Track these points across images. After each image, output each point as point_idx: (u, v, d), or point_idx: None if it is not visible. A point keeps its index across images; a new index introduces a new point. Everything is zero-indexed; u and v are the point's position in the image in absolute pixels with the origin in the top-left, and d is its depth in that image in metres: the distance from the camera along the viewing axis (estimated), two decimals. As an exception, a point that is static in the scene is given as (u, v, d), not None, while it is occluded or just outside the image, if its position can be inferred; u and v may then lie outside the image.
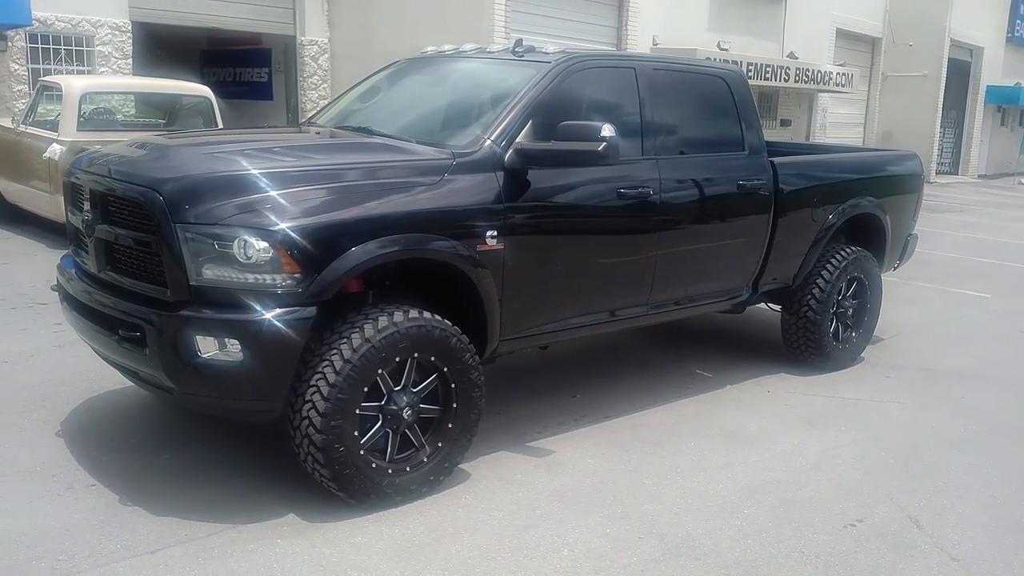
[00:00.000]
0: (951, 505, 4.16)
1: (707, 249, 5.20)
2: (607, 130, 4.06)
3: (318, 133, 4.86)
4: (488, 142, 4.18)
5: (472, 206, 4.04)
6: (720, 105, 5.36)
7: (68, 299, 4.14)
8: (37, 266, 7.98)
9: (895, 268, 7.02)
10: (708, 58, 15.97)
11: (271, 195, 3.57)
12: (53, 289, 4.45)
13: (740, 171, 5.30)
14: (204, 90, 9.89)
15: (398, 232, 3.76)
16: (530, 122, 4.32)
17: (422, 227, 3.86)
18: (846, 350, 6.23)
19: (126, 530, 3.54)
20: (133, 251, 3.72)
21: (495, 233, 4.07)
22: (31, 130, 9.08)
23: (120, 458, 4.18)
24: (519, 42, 4.89)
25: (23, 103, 11.30)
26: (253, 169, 3.70)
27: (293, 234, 3.48)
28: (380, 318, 3.69)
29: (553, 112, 4.40)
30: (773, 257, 5.61)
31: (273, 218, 3.49)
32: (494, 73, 4.87)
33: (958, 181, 27.04)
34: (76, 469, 4.05)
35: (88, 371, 5.09)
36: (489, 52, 5.10)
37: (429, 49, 5.51)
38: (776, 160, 5.58)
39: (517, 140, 4.22)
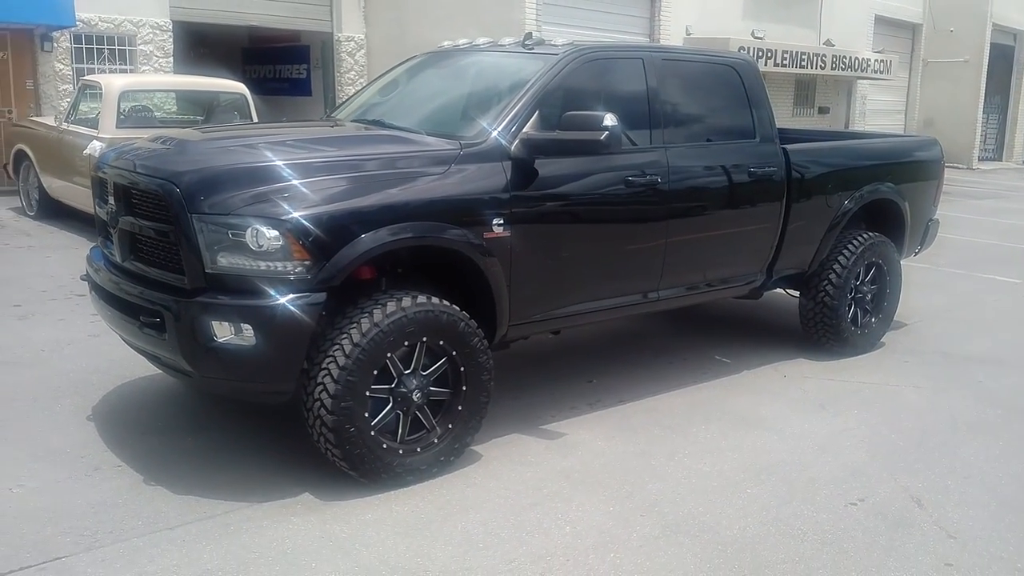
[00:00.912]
0: (955, 485, 4.19)
1: (718, 236, 5.26)
2: (609, 119, 4.15)
3: (333, 126, 5.02)
4: (495, 133, 4.29)
5: (479, 195, 4.15)
6: (730, 94, 5.41)
7: (96, 288, 4.34)
8: (78, 259, 8.20)
9: (916, 254, 7.00)
10: (742, 48, 15.91)
11: (282, 186, 3.72)
12: (82, 279, 4.66)
13: (751, 158, 5.34)
14: (239, 87, 10.13)
15: (406, 220, 3.89)
16: (537, 113, 4.42)
17: (430, 215, 3.98)
18: (865, 335, 6.24)
19: (148, 508, 3.72)
20: (154, 241, 3.90)
21: (502, 221, 4.18)
22: (72, 128, 9.40)
23: (145, 441, 4.38)
24: (529, 35, 5.01)
25: (67, 102, 11.67)
26: (266, 161, 3.86)
27: (303, 223, 3.63)
28: (388, 303, 3.83)
29: (561, 103, 4.50)
30: (787, 243, 5.65)
31: (284, 207, 3.64)
32: (504, 66, 4.98)
33: (1002, 167, 26.55)
34: (104, 451, 4.25)
35: (120, 359, 5.31)
36: (501, 45, 5.21)
37: (445, 43, 5.64)
38: (788, 147, 5.61)
39: (524, 130, 4.32)
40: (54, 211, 10.09)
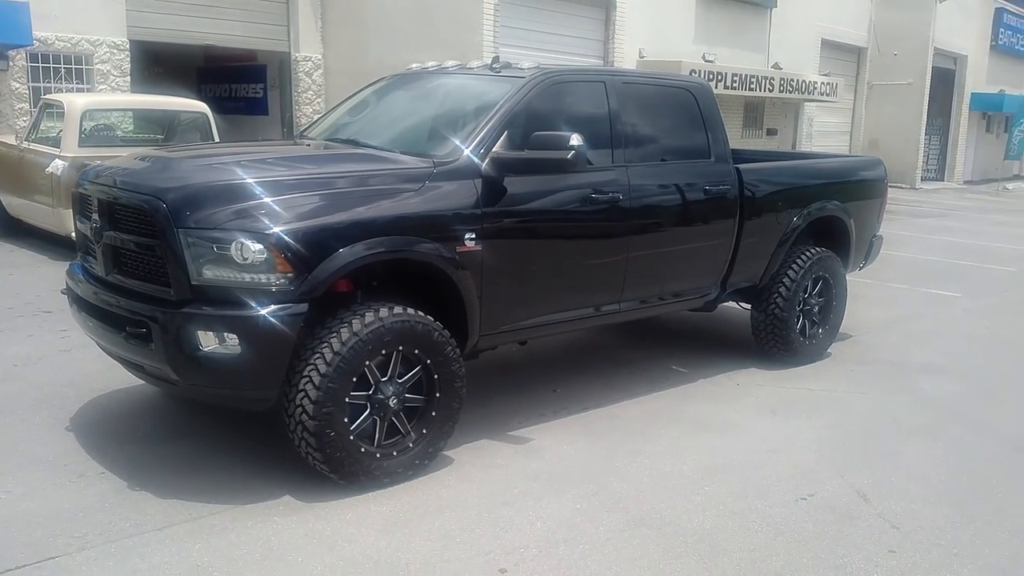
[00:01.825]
0: (898, 482, 4.49)
1: (675, 251, 5.55)
2: (575, 139, 4.41)
3: (309, 145, 5.22)
4: (466, 152, 4.52)
5: (452, 211, 4.38)
6: (687, 116, 5.71)
7: (77, 301, 4.47)
8: (41, 277, 8.31)
9: (860, 268, 7.37)
10: (693, 71, 16.37)
11: (265, 202, 3.91)
12: (63, 292, 4.77)
13: (706, 177, 5.65)
14: (201, 106, 10.24)
15: (382, 235, 4.10)
16: (506, 133, 4.67)
17: (405, 230, 4.20)
18: (813, 346, 6.57)
19: (135, 511, 3.86)
20: (138, 255, 4.05)
21: (473, 236, 4.41)
22: (34, 146, 9.42)
23: (126, 449, 4.50)
24: (496, 59, 5.26)
25: (25, 120, 11.65)
26: (248, 178, 4.04)
27: (285, 237, 3.82)
28: (367, 314, 4.02)
29: (528, 123, 4.75)
30: (740, 258, 5.96)
31: (267, 222, 3.83)
32: (473, 88, 5.22)
33: (944, 187, 27.48)
34: (86, 459, 4.37)
35: (93, 373, 5.42)
36: (469, 68, 5.46)
37: (414, 65, 5.87)
38: (742, 167, 5.93)
39: (494, 150, 4.56)
40: (13, 229, 10.08)
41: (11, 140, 10.13)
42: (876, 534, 3.93)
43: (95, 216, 4.29)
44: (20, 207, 9.70)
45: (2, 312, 7.03)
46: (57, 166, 8.69)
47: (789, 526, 3.95)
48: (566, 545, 3.69)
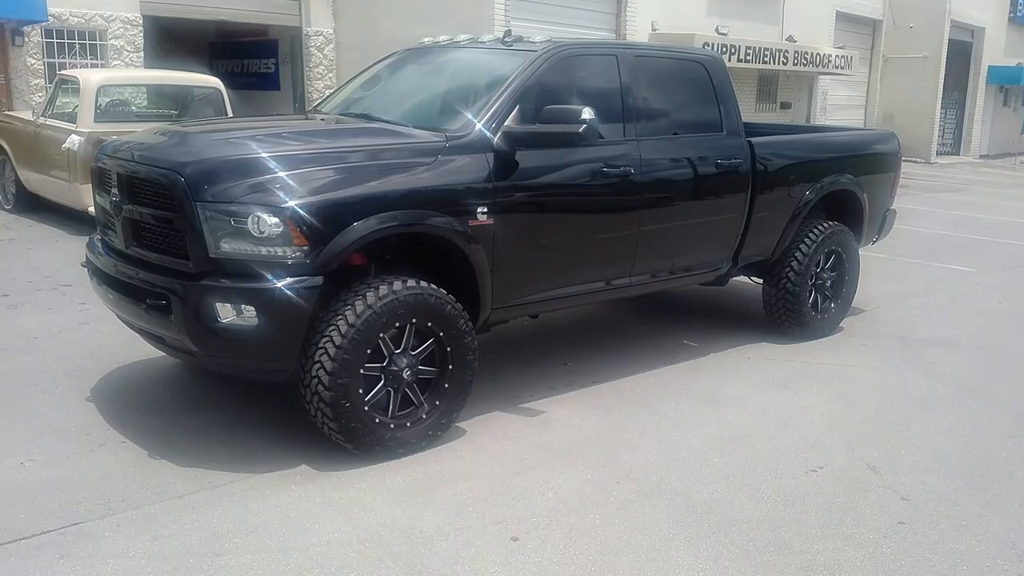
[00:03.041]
0: (908, 455, 4.53)
1: (687, 225, 5.57)
2: (587, 113, 4.43)
3: (323, 120, 5.25)
4: (479, 126, 4.55)
5: (464, 185, 4.41)
6: (699, 89, 5.71)
7: (97, 273, 4.54)
8: (60, 251, 8.41)
9: (874, 242, 7.36)
10: (706, 44, 16.28)
11: (281, 176, 3.96)
12: (83, 265, 4.85)
13: (718, 151, 5.66)
14: (215, 81, 10.27)
15: (396, 209, 4.14)
16: (518, 107, 4.69)
17: (418, 204, 4.24)
18: (824, 320, 6.59)
19: (156, 479, 3.95)
20: (157, 228, 4.11)
21: (485, 209, 4.44)
22: (50, 122, 9.49)
23: (147, 420, 4.59)
24: (508, 32, 5.27)
25: (40, 96, 11.72)
26: (264, 152, 4.09)
27: (301, 211, 3.87)
28: (381, 287, 4.08)
29: (540, 97, 4.77)
30: (752, 232, 5.97)
31: (283, 196, 3.88)
32: (485, 62, 5.24)
33: (959, 162, 27.27)
34: (107, 429, 4.46)
35: (113, 345, 5.51)
36: (481, 42, 5.47)
37: (426, 40, 5.88)
38: (754, 140, 5.93)
39: (505, 123, 4.59)
40: (31, 204, 10.18)
41: (27, 116, 10.20)
42: (885, 506, 3.98)
43: (114, 190, 4.34)
44: (37, 182, 9.78)
45: (22, 286, 7.12)
46: (73, 141, 8.75)
47: (799, 498, 4.00)
48: (577, 515, 3.75)
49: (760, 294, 6.59)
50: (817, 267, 6.44)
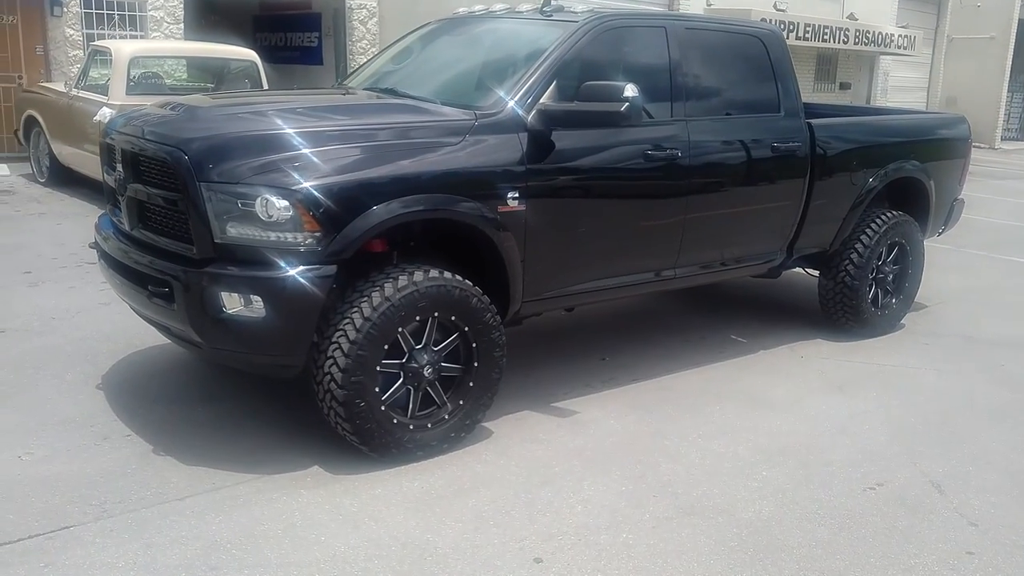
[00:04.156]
0: (975, 471, 4.11)
1: (738, 213, 5.16)
2: (630, 90, 4.04)
3: (345, 94, 4.92)
4: (511, 103, 4.18)
5: (494, 167, 4.06)
6: (755, 66, 5.28)
7: (104, 256, 4.28)
8: (89, 227, 8.10)
9: (939, 234, 6.87)
10: (764, 19, 15.65)
11: (293, 155, 3.64)
12: (91, 247, 4.61)
13: (775, 133, 5.22)
14: (250, 54, 10.02)
15: (418, 193, 3.80)
16: (555, 83, 4.31)
17: (443, 187, 3.89)
18: (885, 316, 6.13)
19: (157, 478, 3.68)
20: (162, 209, 3.83)
21: (517, 195, 4.09)
22: (83, 94, 9.31)
23: (156, 410, 4.34)
24: (548, 2, 4.88)
25: (78, 68, 11.57)
26: (276, 129, 3.77)
27: (313, 193, 3.55)
28: (400, 277, 3.75)
29: (580, 73, 4.39)
30: (809, 221, 5.53)
31: (294, 177, 3.56)
32: (522, 33, 4.87)
33: (1025, 147, 26.17)
34: (113, 420, 4.21)
35: (130, 328, 5.26)
36: (518, 12, 5.09)
37: (461, 10, 5.52)
38: (814, 122, 5.48)
39: (541, 101, 4.22)
40: (65, 178, 10.04)
41: (61, 88, 10.05)
42: (951, 532, 3.57)
43: (119, 167, 4.07)
44: (70, 156, 9.63)
45: (46, 263, 6.95)
46: (104, 114, 8.54)
47: (855, 519, 3.61)
48: (608, 533, 3.41)
49: (814, 287, 6.16)
50: (879, 260, 5.98)
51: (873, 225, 5.88)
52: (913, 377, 5.36)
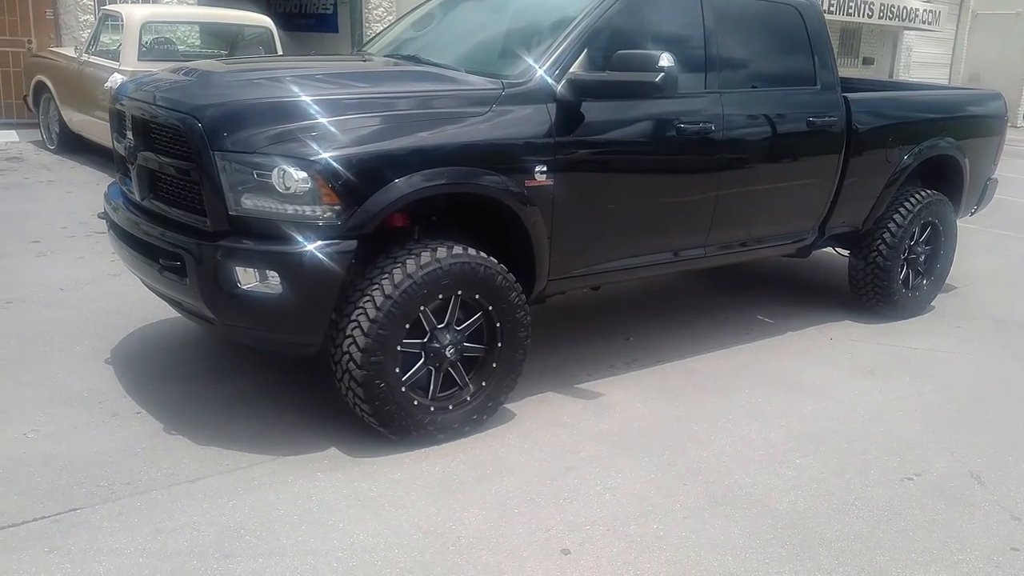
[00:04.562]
0: (1015, 462, 3.95)
1: (772, 189, 4.96)
2: (665, 60, 3.84)
3: (365, 61, 4.73)
4: (540, 72, 3.99)
5: (521, 139, 3.87)
6: (791, 36, 5.06)
7: (114, 227, 4.13)
8: (99, 195, 7.95)
9: (972, 214, 6.66)
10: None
11: (311, 123, 3.46)
12: (100, 217, 4.46)
13: (811, 107, 5.02)
14: (265, 20, 9.81)
15: (442, 165, 3.63)
16: (585, 51, 4.11)
17: (468, 160, 3.72)
18: (916, 298, 5.95)
19: (168, 458, 3.55)
20: (174, 179, 3.66)
21: (545, 168, 3.91)
22: (93, 60, 9.13)
23: (167, 387, 4.20)
24: (577, -34, 4.65)
25: (88, 32, 11.37)
26: (294, 96, 3.59)
27: (333, 164, 3.38)
28: (423, 254, 3.59)
29: (611, 41, 4.19)
30: (842, 199, 5.34)
31: (313, 147, 3.38)
32: (550, -1, 4.65)
33: (1048, 126, 25.71)
34: (123, 396, 4.08)
35: (140, 300, 5.11)
36: (546, -23, 4.87)
37: (485, -25, 5.29)
38: (850, 96, 5.27)
39: (571, 70, 4.02)
40: (75, 145, 9.88)
41: (71, 53, 9.86)
42: (994, 526, 3.41)
43: (129, 135, 3.91)
44: (81, 123, 9.46)
45: (55, 232, 6.81)
46: (115, 80, 8.34)
47: (895, 512, 3.45)
48: (637, 524, 3.26)
49: (840, 266, 5.98)
50: (911, 240, 5.78)
51: (907, 204, 5.67)
52: (945, 361, 5.18)
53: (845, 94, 5.24)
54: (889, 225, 5.62)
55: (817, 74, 5.11)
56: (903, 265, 5.80)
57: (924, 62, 22.90)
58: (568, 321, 5.42)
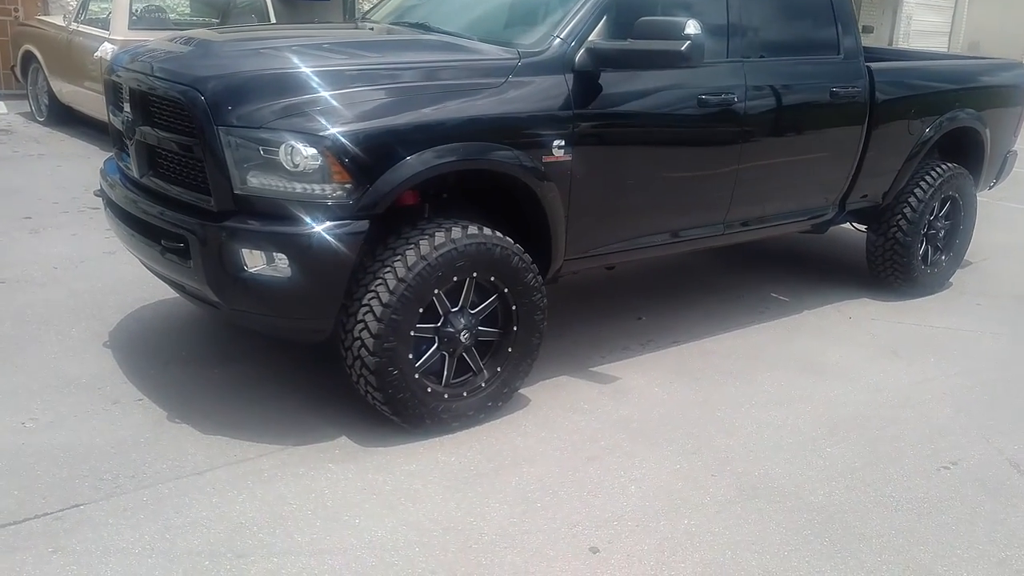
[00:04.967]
0: (1054, 449, 3.82)
1: (793, 163, 4.78)
2: (691, 27, 3.64)
3: (372, 29, 4.51)
4: (557, 40, 3.79)
5: (539, 112, 3.68)
6: (814, 3, 4.85)
7: (111, 206, 3.94)
8: (91, 169, 7.77)
9: (990, 187, 6.49)
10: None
11: (321, 96, 3.26)
12: (96, 195, 4.26)
13: (834, 77, 4.82)
14: (259, -12, 9.52)
15: (457, 140, 3.44)
16: (604, 18, 3.90)
17: (483, 135, 3.53)
18: (934, 275, 5.80)
19: (173, 449, 3.39)
20: (175, 156, 3.46)
21: (563, 143, 3.72)
22: (83, 28, 8.85)
23: (169, 371, 4.03)
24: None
25: (77, 1, 11.05)
26: (302, 67, 3.38)
27: (344, 140, 3.19)
28: (437, 234, 3.41)
29: (631, 7, 3.98)
30: (864, 173, 5.16)
31: (323, 122, 3.19)
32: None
33: (1047, 95, 25.49)
34: (123, 382, 3.91)
35: (138, 279, 4.92)
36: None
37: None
38: (872, 65, 5.08)
39: (590, 38, 3.82)
40: (64, 117, 9.60)
41: (60, 21, 9.57)
42: (1039, 518, 3.28)
43: (127, 108, 3.70)
44: (70, 94, 9.18)
45: (47, 207, 6.58)
46: (106, 50, 8.09)
47: (935, 504, 3.31)
48: (667, 519, 3.11)
49: (853, 241, 5.81)
50: (931, 215, 5.62)
51: (928, 178, 5.50)
52: (969, 341, 5.04)
53: (868, 63, 5.05)
54: (910, 200, 5.45)
55: (840, 42, 4.91)
56: (922, 241, 5.64)
57: (924, 31, 22.60)
58: (576, 300, 5.25)
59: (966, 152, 5.90)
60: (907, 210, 5.45)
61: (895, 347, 4.86)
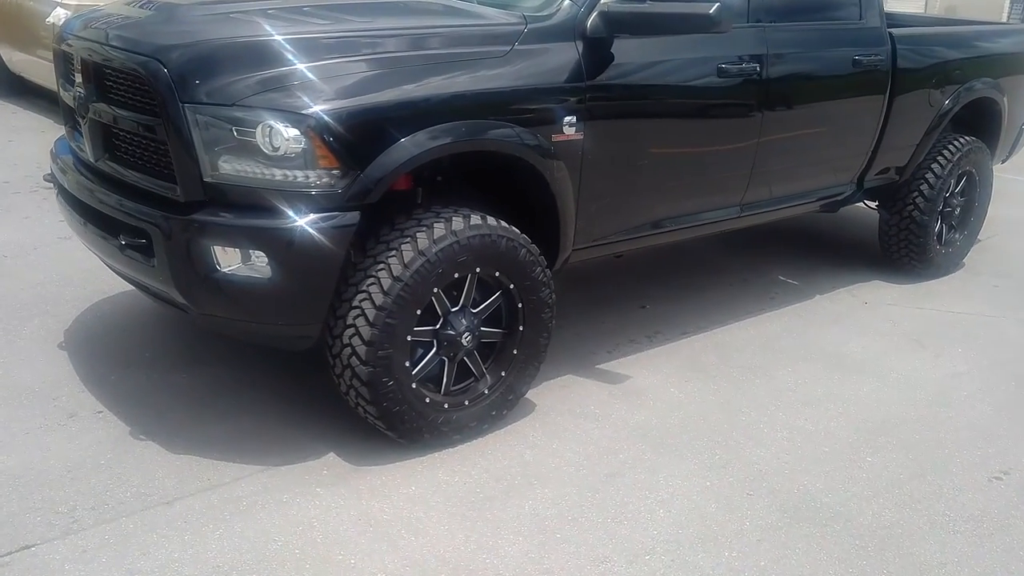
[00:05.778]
0: (1109, 455, 3.52)
1: (814, 137, 4.41)
2: (719, -13, 3.23)
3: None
4: (567, 2, 3.37)
5: (548, 84, 3.27)
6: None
7: (63, 192, 3.48)
8: (45, 144, 7.11)
9: (1003, 161, 6.18)
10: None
11: (303, 68, 2.82)
12: (46, 179, 3.80)
13: (857, 44, 4.45)
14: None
15: (460, 117, 3.02)
16: (617, -23, 3.49)
17: (486, 111, 3.11)
18: (949, 255, 5.49)
19: (138, 472, 2.98)
20: (135, 137, 3.01)
21: (574, 119, 3.31)
22: (33, -9, 8.23)
23: (131, 376, 3.61)
24: None
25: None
26: (280, 35, 2.93)
27: (331, 119, 2.76)
28: (436, 226, 3.00)
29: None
30: (883, 148, 4.81)
31: (306, 98, 2.76)
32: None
33: None
34: (80, 391, 3.48)
35: (96, 269, 4.37)
36: None
37: None
38: (894, 32, 4.71)
39: (603, 1, 3.40)
40: (16, 87, 8.97)
41: (8, -17, 8.92)
42: (1108, 537, 2.98)
43: (79, 81, 3.23)
44: (21, 63, 8.57)
45: (-4, 187, 6.06)
46: (58, 15, 7.50)
47: (994, 522, 3.00)
48: (705, 551, 2.76)
49: (856, 218, 5.48)
50: (947, 191, 5.29)
51: (945, 152, 5.17)
52: (994, 328, 4.73)
53: (890, 29, 4.68)
54: (927, 176, 5.12)
55: (862, 6, 4.53)
56: (937, 219, 5.32)
57: (903, -6, 22.33)
58: (573, 288, 4.84)
59: (981, 123, 5.56)
60: (924, 187, 5.11)
61: (918, 336, 4.54)
